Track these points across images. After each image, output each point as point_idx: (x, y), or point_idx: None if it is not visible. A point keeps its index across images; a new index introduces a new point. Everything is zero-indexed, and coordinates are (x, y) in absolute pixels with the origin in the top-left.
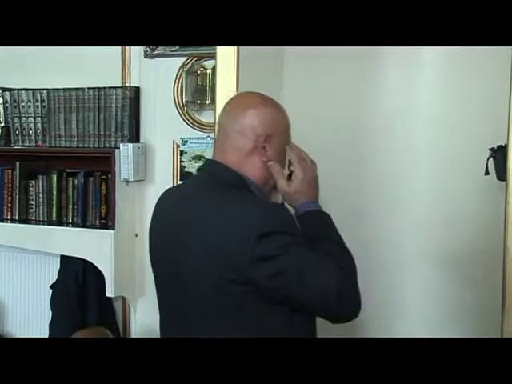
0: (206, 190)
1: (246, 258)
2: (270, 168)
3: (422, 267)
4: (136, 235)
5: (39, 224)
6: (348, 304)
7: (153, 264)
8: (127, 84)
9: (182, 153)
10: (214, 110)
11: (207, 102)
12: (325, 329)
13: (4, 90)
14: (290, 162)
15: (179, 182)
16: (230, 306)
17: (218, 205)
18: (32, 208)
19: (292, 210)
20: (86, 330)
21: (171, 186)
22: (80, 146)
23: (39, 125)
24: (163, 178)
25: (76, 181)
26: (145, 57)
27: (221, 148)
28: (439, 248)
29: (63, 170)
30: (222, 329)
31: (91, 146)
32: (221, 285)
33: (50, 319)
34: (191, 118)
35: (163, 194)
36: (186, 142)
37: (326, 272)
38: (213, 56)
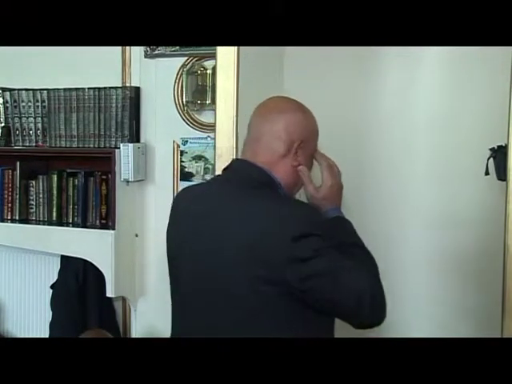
0: (237, 189)
1: (283, 258)
2: (300, 172)
3: (422, 267)
4: (136, 235)
5: (39, 224)
6: (379, 308)
7: (172, 261)
8: (127, 84)
9: (182, 153)
10: (214, 110)
11: (207, 102)
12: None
13: (4, 90)
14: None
15: (179, 182)
16: (261, 306)
17: (254, 204)
18: (32, 208)
19: None
20: (87, 332)
21: (171, 186)
22: (80, 146)
23: (39, 125)
24: (163, 178)
25: (76, 181)
26: (145, 57)
27: (252, 150)
28: (439, 248)
29: (63, 169)
30: (248, 328)
31: (91, 145)
32: (255, 284)
33: (51, 319)
34: (191, 118)
35: (183, 193)
36: (187, 142)
37: (360, 275)
38: (213, 56)
